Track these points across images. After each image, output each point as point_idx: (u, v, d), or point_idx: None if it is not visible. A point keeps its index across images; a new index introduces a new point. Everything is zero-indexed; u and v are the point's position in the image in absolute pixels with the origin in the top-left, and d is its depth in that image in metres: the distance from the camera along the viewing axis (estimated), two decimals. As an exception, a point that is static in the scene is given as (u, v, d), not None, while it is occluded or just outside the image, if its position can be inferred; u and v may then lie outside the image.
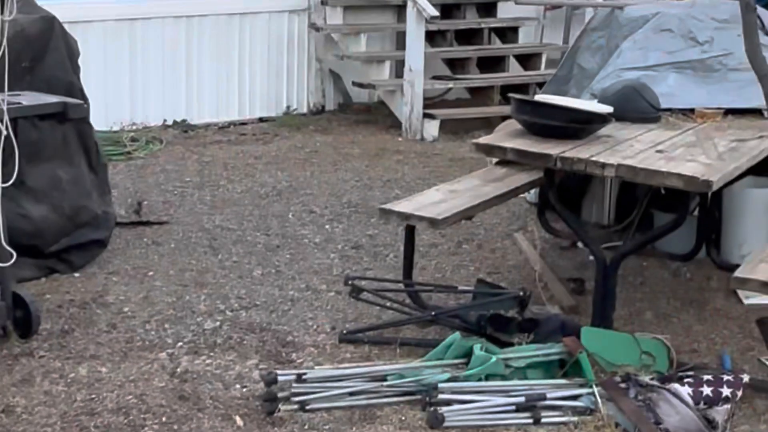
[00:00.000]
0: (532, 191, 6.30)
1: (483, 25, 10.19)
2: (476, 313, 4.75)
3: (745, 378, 4.21)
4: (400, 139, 8.75)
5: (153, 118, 8.66)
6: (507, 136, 4.94)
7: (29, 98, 5.07)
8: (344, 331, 4.77)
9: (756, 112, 5.46)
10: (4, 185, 4.39)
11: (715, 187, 4.44)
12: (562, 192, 5.11)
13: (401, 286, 5.16)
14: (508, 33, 10.33)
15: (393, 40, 9.98)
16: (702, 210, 5.70)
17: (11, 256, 4.50)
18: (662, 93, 5.43)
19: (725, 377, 4.15)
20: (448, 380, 4.16)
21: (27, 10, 5.29)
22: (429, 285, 5.34)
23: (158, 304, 5.11)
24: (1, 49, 3.36)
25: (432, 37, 9.64)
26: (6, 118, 3.56)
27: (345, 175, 7.53)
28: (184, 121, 8.81)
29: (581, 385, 4.18)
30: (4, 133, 3.62)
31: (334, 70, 9.70)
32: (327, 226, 6.40)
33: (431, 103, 9.35)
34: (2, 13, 3.31)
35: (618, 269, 4.88)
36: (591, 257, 5.34)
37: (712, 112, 5.43)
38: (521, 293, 4.80)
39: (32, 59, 5.35)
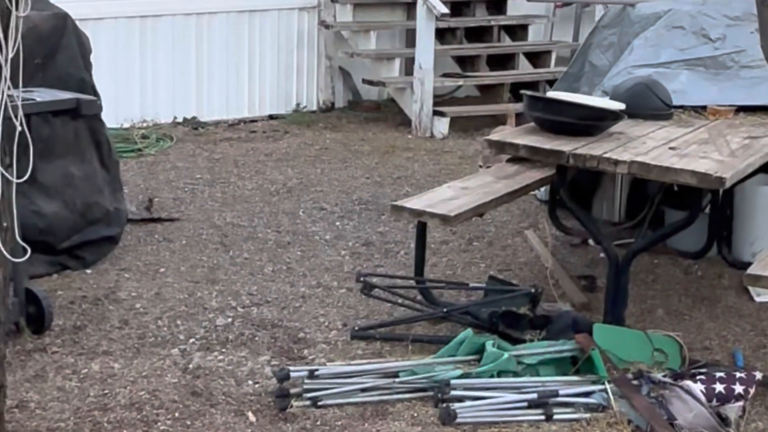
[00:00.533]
0: (543, 189, 6.29)
1: (493, 23, 10.18)
2: (488, 309, 4.74)
3: (758, 375, 4.20)
4: (410, 136, 8.75)
5: (163, 115, 8.68)
6: (519, 132, 4.93)
7: (42, 94, 5.07)
8: (356, 328, 4.76)
9: (768, 109, 5.46)
10: (18, 181, 4.38)
11: (728, 184, 4.44)
12: (573, 189, 5.11)
13: (413, 282, 5.16)
14: (517, 30, 10.32)
15: (403, 37, 9.98)
16: (713, 207, 5.69)
17: (25, 251, 4.50)
18: (674, 90, 5.43)
19: (738, 374, 4.14)
20: (460, 377, 4.17)
21: (39, 6, 5.28)
22: (440, 282, 5.34)
23: (170, 301, 5.12)
24: (16, 46, 3.36)
25: (442, 35, 9.64)
26: (21, 113, 3.56)
27: (355, 172, 7.54)
28: (194, 118, 8.81)
29: (593, 382, 4.17)
30: (19, 129, 3.61)
31: (343, 68, 9.70)
32: (338, 223, 6.41)
33: (441, 100, 9.35)
34: (16, 9, 3.30)
35: (630, 266, 4.88)
36: (602, 254, 5.35)
37: (724, 109, 5.42)
38: (533, 290, 4.80)
39: (45, 56, 5.35)
